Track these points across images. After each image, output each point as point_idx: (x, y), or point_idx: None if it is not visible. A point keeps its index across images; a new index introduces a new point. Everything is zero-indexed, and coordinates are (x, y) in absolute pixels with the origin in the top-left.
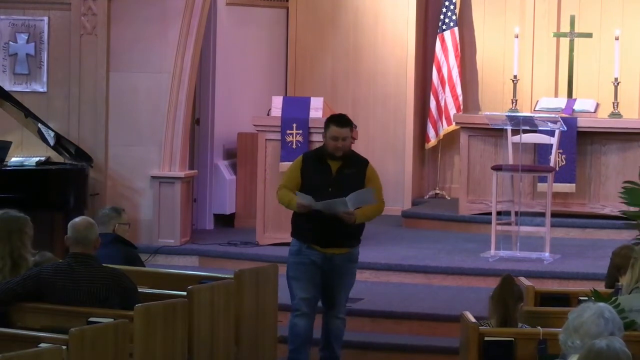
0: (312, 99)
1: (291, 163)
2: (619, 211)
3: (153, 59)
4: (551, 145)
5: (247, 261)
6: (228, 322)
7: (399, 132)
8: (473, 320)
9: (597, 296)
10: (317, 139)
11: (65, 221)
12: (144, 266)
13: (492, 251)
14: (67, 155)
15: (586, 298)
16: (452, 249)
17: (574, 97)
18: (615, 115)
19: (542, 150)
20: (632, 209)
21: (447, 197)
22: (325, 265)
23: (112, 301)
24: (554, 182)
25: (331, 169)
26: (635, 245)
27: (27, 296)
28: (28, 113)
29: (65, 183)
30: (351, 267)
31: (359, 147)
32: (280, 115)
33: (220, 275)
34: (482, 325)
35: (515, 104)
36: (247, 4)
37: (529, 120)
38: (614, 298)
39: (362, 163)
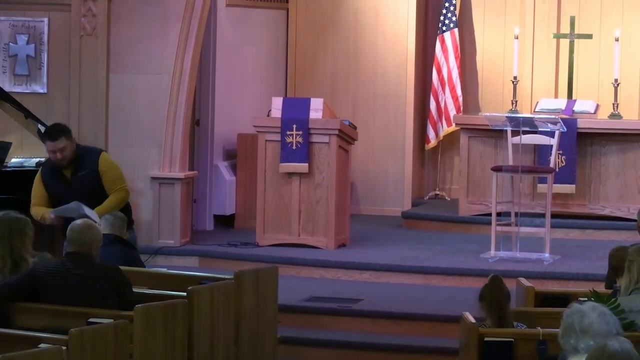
0: (312, 99)
1: (34, 185)
2: None
3: (153, 60)
4: (551, 146)
5: (247, 262)
6: (228, 323)
7: (398, 133)
8: (473, 320)
9: (596, 297)
10: (317, 139)
11: (65, 222)
12: (144, 267)
13: (492, 252)
14: None
15: (586, 299)
16: (451, 249)
17: (573, 98)
18: (615, 116)
19: (542, 151)
20: None
21: (447, 197)
22: None
23: (108, 297)
24: (554, 183)
25: (66, 177)
26: (630, 247)
27: (22, 293)
28: (28, 114)
29: None
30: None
31: (359, 147)
32: (280, 116)
33: (220, 275)
34: (482, 326)
35: (515, 105)
36: (247, 5)
37: (528, 121)
38: (613, 299)
39: (93, 160)
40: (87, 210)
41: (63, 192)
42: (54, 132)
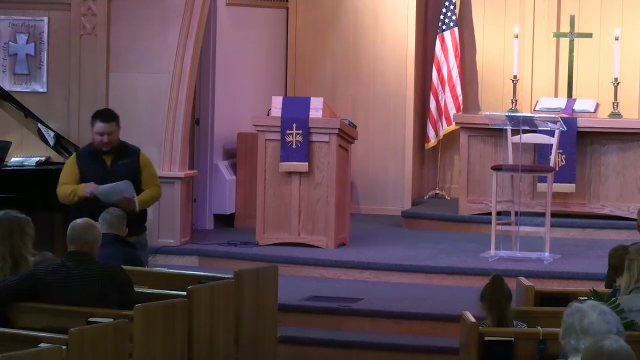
0: (312, 99)
1: (66, 166)
2: None
3: (153, 59)
4: (551, 145)
5: (247, 261)
6: (228, 322)
7: (398, 132)
8: (473, 320)
9: (597, 296)
10: (317, 139)
11: (65, 221)
12: (144, 266)
13: (492, 251)
14: (67, 155)
15: (586, 298)
16: (451, 249)
17: (573, 97)
18: (615, 115)
19: (541, 150)
20: None
21: (447, 197)
22: None
23: (109, 296)
24: (554, 182)
25: (106, 163)
26: (630, 246)
27: (23, 294)
28: (28, 113)
29: None
30: (141, 254)
31: (358, 148)
32: (280, 115)
33: (220, 275)
34: (482, 325)
35: (515, 104)
36: (247, 4)
37: (528, 120)
38: (613, 299)
39: (134, 152)
40: (134, 194)
41: (100, 178)
42: (107, 115)
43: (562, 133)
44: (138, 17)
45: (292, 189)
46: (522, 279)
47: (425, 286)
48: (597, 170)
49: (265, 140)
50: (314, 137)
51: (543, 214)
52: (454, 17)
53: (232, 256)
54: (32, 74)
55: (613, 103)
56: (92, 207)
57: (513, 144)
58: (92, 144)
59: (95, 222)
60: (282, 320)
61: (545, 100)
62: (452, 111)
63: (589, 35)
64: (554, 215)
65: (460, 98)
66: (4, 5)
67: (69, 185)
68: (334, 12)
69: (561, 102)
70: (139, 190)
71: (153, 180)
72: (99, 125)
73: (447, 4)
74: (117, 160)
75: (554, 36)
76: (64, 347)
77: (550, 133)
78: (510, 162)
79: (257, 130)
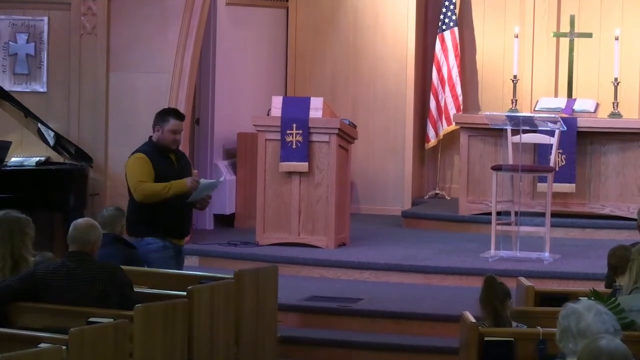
0: (312, 99)
1: (139, 164)
2: None
3: (153, 58)
4: (551, 145)
5: (247, 261)
6: (228, 322)
7: (398, 133)
8: (473, 320)
9: (597, 296)
10: (317, 139)
11: (65, 221)
12: (144, 266)
13: (492, 251)
14: (67, 155)
15: (586, 298)
16: (451, 249)
17: (573, 97)
18: (615, 115)
19: (542, 150)
20: None
21: (447, 197)
22: (176, 256)
23: (110, 296)
24: (554, 182)
25: (173, 161)
26: (631, 246)
27: (24, 294)
28: (28, 113)
29: (65, 183)
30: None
31: (359, 147)
32: (280, 115)
33: (220, 275)
34: (482, 326)
35: (515, 104)
36: (247, 4)
37: (528, 120)
38: (613, 298)
39: (184, 154)
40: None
41: (171, 175)
42: (181, 113)
43: (562, 133)
44: (138, 16)
45: (292, 189)
46: (522, 279)
47: (425, 286)
48: (597, 170)
49: (265, 140)
50: (314, 137)
51: (543, 214)
52: (454, 17)
53: (232, 256)
54: (32, 73)
55: (613, 103)
56: (158, 204)
57: (513, 144)
58: (155, 142)
59: (97, 222)
60: (282, 320)
61: (545, 100)
62: (452, 111)
63: (589, 35)
64: (554, 215)
65: (460, 98)
66: (4, 5)
67: (156, 183)
68: (334, 12)
69: (561, 102)
70: None
71: None
72: (175, 123)
73: (447, 3)
74: (179, 159)
75: (554, 36)
76: (64, 347)
77: (550, 133)
78: (510, 162)
79: (257, 130)
